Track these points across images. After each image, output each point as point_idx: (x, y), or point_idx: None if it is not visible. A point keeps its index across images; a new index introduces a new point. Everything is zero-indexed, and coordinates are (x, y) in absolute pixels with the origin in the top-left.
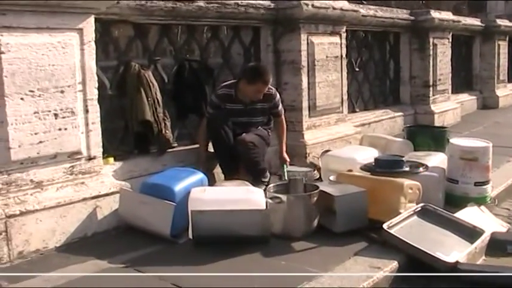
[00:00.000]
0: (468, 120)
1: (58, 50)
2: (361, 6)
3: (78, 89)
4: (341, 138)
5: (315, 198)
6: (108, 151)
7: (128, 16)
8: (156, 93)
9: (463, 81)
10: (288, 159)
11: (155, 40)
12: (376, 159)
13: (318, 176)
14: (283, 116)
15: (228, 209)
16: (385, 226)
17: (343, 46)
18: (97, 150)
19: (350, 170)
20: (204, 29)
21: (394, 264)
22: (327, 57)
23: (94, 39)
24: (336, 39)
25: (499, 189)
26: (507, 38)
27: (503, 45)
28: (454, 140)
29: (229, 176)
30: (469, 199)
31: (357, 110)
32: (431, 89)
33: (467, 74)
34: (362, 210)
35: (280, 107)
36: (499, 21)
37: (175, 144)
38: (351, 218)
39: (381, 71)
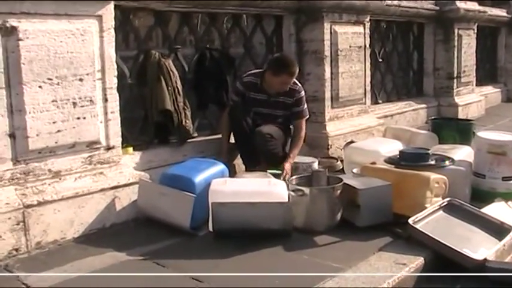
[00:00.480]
0: (492, 113)
1: (77, 37)
2: None
3: (97, 77)
4: (364, 130)
5: (339, 191)
6: (128, 141)
7: (148, 3)
8: (176, 82)
9: (487, 73)
10: (289, 173)
11: (175, 28)
12: (400, 152)
13: (341, 168)
14: (303, 121)
15: (250, 202)
16: (410, 221)
17: (367, 36)
18: (116, 139)
19: (373, 163)
20: (225, 18)
21: (420, 260)
22: (350, 47)
23: (113, 26)
24: (359, 28)
25: None
26: None
27: None
28: (482, 133)
29: (250, 167)
30: (496, 194)
31: (380, 101)
32: (455, 81)
33: (492, 66)
34: (387, 204)
35: (303, 107)
36: None
37: (196, 135)
38: (375, 212)
39: (404, 62)
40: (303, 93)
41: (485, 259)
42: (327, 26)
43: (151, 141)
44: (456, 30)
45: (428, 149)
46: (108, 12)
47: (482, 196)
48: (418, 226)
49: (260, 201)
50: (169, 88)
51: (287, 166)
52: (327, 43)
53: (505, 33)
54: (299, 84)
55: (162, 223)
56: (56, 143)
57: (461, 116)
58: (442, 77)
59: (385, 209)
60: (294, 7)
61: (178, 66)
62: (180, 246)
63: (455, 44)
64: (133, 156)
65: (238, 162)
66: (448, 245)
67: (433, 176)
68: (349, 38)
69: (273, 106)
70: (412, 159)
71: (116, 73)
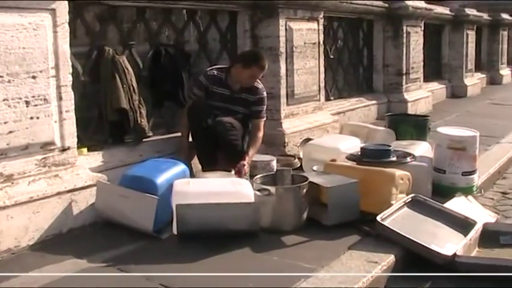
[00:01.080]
0: (439, 109)
1: (29, 31)
2: None
3: (51, 74)
4: (319, 127)
5: (305, 190)
6: (81, 141)
7: None
8: (131, 80)
9: (432, 70)
10: (245, 173)
11: (130, 24)
12: (362, 149)
13: (299, 165)
14: (262, 122)
15: (216, 203)
16: (378, 218)
17: (321, 33)
18: (71, 140)
19: (334, 160)
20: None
21: (391, 258)
22: (305, 43)
23: (67, 21)
24: (314, 25)
25: (482, 178)
26: (475, 28)
27: (472, 35)
28: (442, 129)
29: (207, 166)
30: (456, 189)
31: (332, 98)
32: (404, 77)
33: (437, 63)
34: (354, 202)
35: (263, 107)
36: (468, 11)
37: (151, 134)
38: (342, 210)
39: (355, 58)
40: (265, 93)
41: (455, 254)
42: (282, 22)
43: (106, 141)
44: (405, 28)
45: (390, 146)
46: (62, 6)
47: (443, 191)
48: (385, 223)
49: (227, 201)
50: (125, 86)
51: (243, 164)
52: (282, 39)
53: (449, 30)
54: (262, 85)
55: (122, 227)
56: (7, 144)
57: (410, 111)
58: (391, 74)
59: (352, 207)
60: (250, 3)
61: (133, 63)
62: (144, 250)
63: (404, 41)
64: (88, 157)
65: (195, 162)
66: (418, 242)
67: (397, 172)
68: (304, 35)
69: (234, 102)
70: (374, 155)
71: (70, 70)
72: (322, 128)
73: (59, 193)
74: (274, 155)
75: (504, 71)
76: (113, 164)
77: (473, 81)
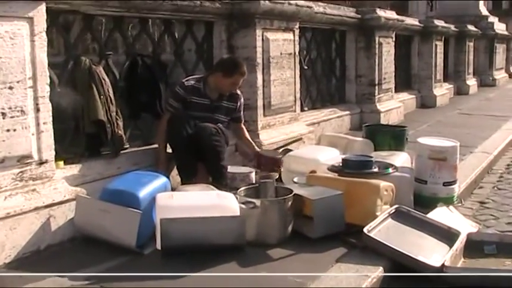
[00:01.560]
0: (411, 119)
1: (6, 40)
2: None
3: (28, 85)
4: (295, 137)
5: (290, 203)
6: (58, 154)
7: (79, 6)
8: (108, 91)
9: (402, 80)
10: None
11: (106, 34)
12: (344, 160)
13: (277, 177)
14: (243, 123)
15: (201, 216)
16: (365, 230)
17: (296, 43)
18: (49, 153)
19: (313, 171)
20: (157, 22)
21: (380, 270)
22: (281, 54)
23: (45, 30)
24: (289, 35)
25: (461, 188)
26: (443, 39)
27: (440, 45)
28: (422, 140)
29: (187, 178)
30: (437, 199)
31: (305, 108)
32: (376, 87)
33: (406, 74)
34: (339, 214)
35: (242, 112)
36: (437, 22)
37: (128, 146)
38: (328, 223)
39: (327, 69)
40: (242, 99)
41: (443, 265)
42: (259, 32)
43: (83, 153)
44: (377, 38)
45: (371, 157)
46: (40, 14)
47: (424, 202)
48: (371, 235)
49: (212, 215)
50: (102, 97)
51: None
52: (259, 50)
53: (418, 41)
54: (239, 90)
55: (103, 242)
56: None
57: (383, 122)
58: (364, 84)
59: (337, 219)
60: (226, 13)
61: (109, 74)
62: (127, 266)
63: (376, 51)
64: (65, 171)
65: (173, 174)
66: (406, 253)
67: (382, 183)
68: (281, 45)
69: (215, 111)
70: (356, 166)
71: (48, 80)
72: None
73: (36, 208)
74: (253, 167)
75: (470, 81)
76: (91, 177)
77: (442, 91)
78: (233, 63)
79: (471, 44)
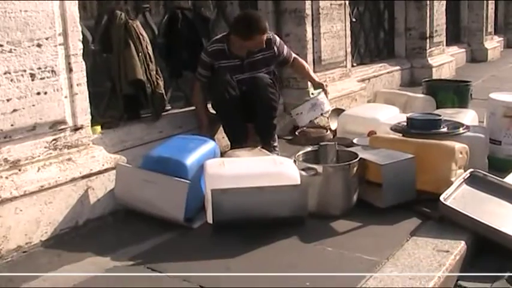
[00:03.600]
0: (463, 74)
1: None
2: None
3: (58, 42)
4: (347, 95)
5: (355, 168)
6: (93, 118)
7: None
8: (147, 48)
9: (451, 33)
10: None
11: None
12: (409, 119)
13: (331, 138)
14: (295, 57)
15: (258, 186)
16: (441, 199)
17: None
18: (84, 118)
19: (372, 132)
20: None
21: (462, 245)
22: (331, 4)
23: None
24: None
25: None
26: None
27: None
28: (496, 95)
29: (237, 141)
30: None
31: (354, 64)
32: (428, 41)
33: (455, 26)
34: (410, 181)
35: (286, 50)
36: None
37: (170, 107)
38: (398, 190)
39: (376, 22)
40: (277, 38)
41: None
42: None
43: (121, 117)
44: None
45: (439, 115)
46: None
47: (498, 164)
48: (449, 204)
49: (269, 184)
50: (140, 54)
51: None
52: (307, 0)
53: None
54: (269, 32)
55: (147, 216)
56: (12, 125)
57: (435, 77)
58: (414, 38)
59: (408, 186)
60: None
61: (147, 29)
62: (175, 243)
63: (428, 2)
64: (102, 137)
65: (218, 137)
66: (493, 227)
67: (457, 145)
68: None
69: (251, 68)
70: (423, 126)
71: (80, 36)
72: (350, 96)
73: (73, 179)
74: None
75: None
76: (131, 142)
77: (493, 44)
78: (247, 24)
79: None
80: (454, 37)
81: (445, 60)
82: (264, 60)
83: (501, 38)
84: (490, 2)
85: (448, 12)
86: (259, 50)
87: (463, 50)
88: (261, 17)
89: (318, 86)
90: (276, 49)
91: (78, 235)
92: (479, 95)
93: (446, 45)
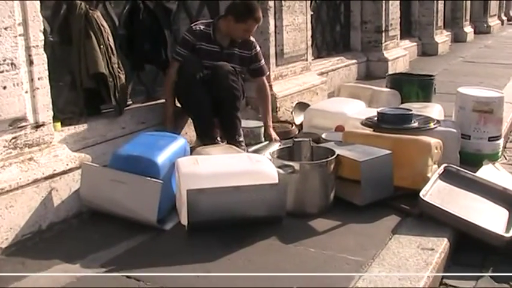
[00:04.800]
0: (416, 67)
1: None
2: None
3: (18, 32)
4: (308, 89)
5: (332, 165)
6: (53, 115)
7: None
8: (108, 39)
9: (402, 27)
10: (279, 138)
11: None
12: (380, 113)
13: (297, 133)
14: (265, 78)
15: (235, 186)
16: (421, 195)
17: None
18: (46, 114)
19: (341, 126)
20: None
21: (445, 242)
22: None
23: None
24: None
25: None
26: None
27: None
28: (464, 90)
29: (206, 134)
30: (482, 156)
31: (312, 57)
32: (383, 34)
33: (406, 20)
34: (388, 177)
35: (263, 62)
36: None
37: (131, 102)
38: (376, 187)
39: (332, 15)
40: (258, 47)
41: None
42: None
43: (82, 113)
44: None
45: (410, 109)
46: None
47: (467, 159)
48: (428, 200)
49: (246, 183)
50: (102, 47)
51: (273, 132)
52: None
53: None
54: (253, 37)
55: (115, 217)
56: None
57: (390, 70)
58: (370, 31)
59: (386, 183)
60: None
61: (108, 20)
62: (149, 247)
63: None
64: (63, 134)
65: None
66: (474, 223)
67: (432, 140)
68: None
69: (226, 59)
70: (394, 121)
71: (42, 27)
72: (311, 90)
73: (35, 181)
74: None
75: (467, 28)
76: (93, 139)
77: (443, 38)
78: (247, 7)
79: None
80: (405, 31)
81: (399, 54)
82: (240, 57)
83: (449, 32)
84: None
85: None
86: (239, 46)
87: (415, 43)
88: (259, 7)
89: (268, 138)
90: (253, 52)
91: (43, 240)
92: (438, 89)
93: (399, 38)
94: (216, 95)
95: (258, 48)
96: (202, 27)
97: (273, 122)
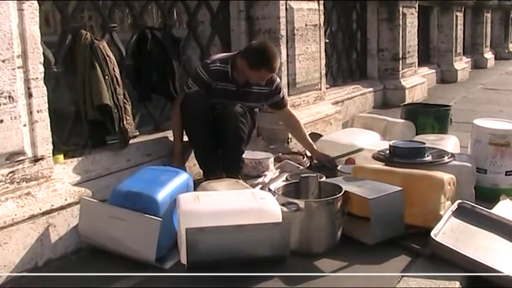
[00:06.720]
0: (434, 95)
1: None
2: None
3: (17, 64)
4: (322, 119)
5: (340, 203)
6: (56, 147)
7: None
8: (114, 70)
9: (421, 54)
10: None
11: (109, 3)
12: (392, 147)
13: (308, 165)
14: (289, 106)
15: (236, 225)
16: (432, 235)
17: (321, 13)
18: (45, 147)
19: (351, 159)
20: None
21: (457, 286)
22: (306, 25)
23: None
24: (314, 4)
25: None
26: (463, 9)
27: (460, 17)
28: (480, 122)
29: (209, 171)
30: (499, 191)
31: (327, 86)
32: (400, 62)
33: (425, 47)
34: (399, 215)
35: (284, 95)
36: None
37: (137, 133)
38: (386, 225)
39: (348, 42)
40: (278, 79)
41: None
42: (282, 1)
43: (86, 145)
44: (401, 9)
45: (423, 142)
46: None
47: (483, 194)
48: (439, 240)
49: (248, 222)
50: (107, 77)
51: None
52: (282, 21)
53: (437, 12)
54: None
55: (114, 255)
56: None
57: (408, 99)
58: (387, 59)
59: (396, 221)
60: None
61: (114, 50)
62: (148, 287)
63: (400, 23)
64: (65, 166)
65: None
66: (490, 266)
67: (445, 176)
68: (305, 15)
69: (243, 98)
70: (407, 155)
71: (42, 59)
72: (325, 120)
73: (32, 216)
74: (277, 153)
75: (488, 54)
76: (96, 172)
77: (462, 65)
78: (263, 55)
79: (488, 15)
80: (424, 58)
81: (417, 82)
82: (258, 95)
83: (469, 59)
84: (459, 23)
85: (418, 33)
86: (257, 84)
87: (434, 70)
88: (277, 55)
89: (322, 159)
90: (274, 87)
91: (39, 278)
92: (456, 117)
93: (417, 65)
94: (222, 133)
95: (278, 80)
96: (219, 64)
97: (283, 153)
